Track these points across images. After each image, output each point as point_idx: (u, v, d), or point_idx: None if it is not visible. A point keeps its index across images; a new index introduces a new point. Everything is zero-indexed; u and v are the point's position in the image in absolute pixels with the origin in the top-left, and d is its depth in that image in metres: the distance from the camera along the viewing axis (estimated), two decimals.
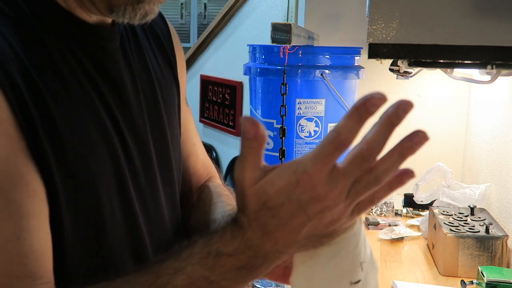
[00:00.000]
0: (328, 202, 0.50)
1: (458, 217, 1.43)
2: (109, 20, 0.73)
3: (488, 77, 1.27)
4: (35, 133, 0.62)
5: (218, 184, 0.97)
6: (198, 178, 0.97)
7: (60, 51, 0.67)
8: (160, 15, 0.88)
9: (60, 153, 0.64)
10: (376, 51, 0.81)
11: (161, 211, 0.80)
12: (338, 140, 0.48)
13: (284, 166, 0.50)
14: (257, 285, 1.16)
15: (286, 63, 1.42)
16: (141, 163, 0.76)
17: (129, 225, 0.73)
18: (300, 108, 1.47)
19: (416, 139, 0.50)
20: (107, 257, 0.70)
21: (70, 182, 0.65)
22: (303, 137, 1.48)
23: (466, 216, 1.43)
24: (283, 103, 1.33)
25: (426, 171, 1.71)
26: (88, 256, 0.68)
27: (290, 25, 1.20)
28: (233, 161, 3.04)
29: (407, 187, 1.83)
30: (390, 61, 1.54)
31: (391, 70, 1.62)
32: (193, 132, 0.98)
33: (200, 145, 1.00)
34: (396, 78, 1.84)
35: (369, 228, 1.66)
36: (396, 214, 1.79)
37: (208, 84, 3.12)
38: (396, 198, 1.82)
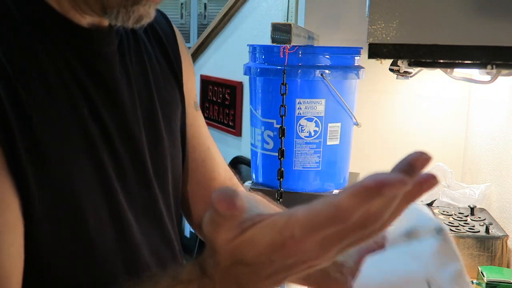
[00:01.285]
0: (314, 262, 0.46)
1: (458, 217, 1.43)
2: (105, 23, 0.71)
3: (488, 77, 1.27)
4: (12, 141, 0.58)
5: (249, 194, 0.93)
6: (221, 183, 0.95)
7: (48, 53, 0.64)
8: (164, 17, 0.87)
9: (38, 164, 0.60)
10: (376, 51, 0.81)
11: (160, 218, 0.79)
12: (335, 216, 0.41)
13: (267, 225, 0.45)
14: None
15: (286, 63, 1.42)
16: (134, 172, 0.73)
17: (120, 236, 0.70)
18: (300, 108, 1.47)
19: (426, 185, 0.44)
20: (97, 269, 0.68)
21: (49, 195, 0.61)
22: (303, 137, 1.48)
23: (466, 216, 1.43)
24: (282, 103, 1.32)
25: (426, 171, 1.71)
26: (76, 269, 0.66)
27: (290, 25, 1.20)
28: (233, 161, 3.03)
29: None
30: (390, 61, 1.54)
31: (391, 70, 1.62)
32: (206, 136, 0.96)
33: (216, 150, 0.98)
34: (396, 78, 1.84)
35: None
36: None
37: (208, 84, 3.12)
38: None
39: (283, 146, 1.31)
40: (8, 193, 0.58)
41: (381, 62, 0.85)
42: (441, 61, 0.82)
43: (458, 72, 1.44)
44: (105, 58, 0.71)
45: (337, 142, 1.52)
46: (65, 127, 0.64)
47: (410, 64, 0.86)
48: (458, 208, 1.50)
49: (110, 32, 0.72)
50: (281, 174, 1.31)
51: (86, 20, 0.69)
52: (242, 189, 0.97)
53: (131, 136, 0.73)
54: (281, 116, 1.31)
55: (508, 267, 1.30)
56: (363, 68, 1.55)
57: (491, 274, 1.16)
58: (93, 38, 0.69)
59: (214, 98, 3.05)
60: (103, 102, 0.69)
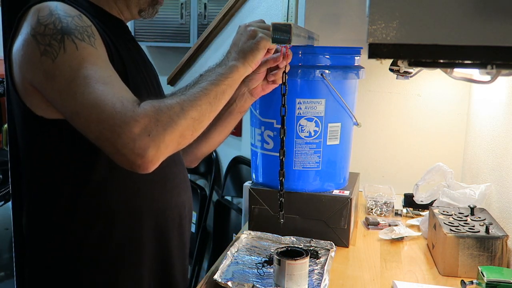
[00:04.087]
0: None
1: (458, 217, 1.43)
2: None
3: (488, 77, 1.27)
4: (117, 67, 1.09)
5: None
6: None
7: (110, 32, 1.13)
8: None
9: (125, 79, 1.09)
10: (376, 51, 0.81)
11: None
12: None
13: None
14: (257, 285, 1.16)
15: (287, 63, 1.42)
16: None
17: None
18: (300, 108, 1.47)
19: None
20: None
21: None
22: (303, 137, 1.48)
23: (466, 216, 1.43)
24: (283, 103, 1.32)
25: (426, 171, 1.71)
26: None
27: (290, 25, 1.20)
28: (233, 161, 3.03)
29: (407, 187, 1.83)
30: (390, 61, 1.54)
31: (391, 70, 1.62)
32: None
33: None
34: (396, 78, 1.84)
35: (369, 228, 1.66)
36: (396, 214, 1.79)
37: None
38: (396, 198, 1.82)
39: (284, 146, 1.31)
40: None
41: (381, 62, 0.85)
42: (441, 61, 0.82)
43: (458, 72, 1.44)
44: (130, 35, 1.26)
45: (337, 142, 1.52)
46: (135, 71, 1.17)
47: (410, 64, 0.86)
48: (458, 208, 1.50)
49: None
50: (282, 175, 1.31)
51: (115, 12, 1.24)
52: None
53: (153, 81, 1.27)
54: (282, 116, 1.31)
55: (508, 267, 1.30)
56: (363, 68, 1.55)
57: (491, 274, 1.16)
58: (125, 25, 1.27)
59: None
60: (138, 53, 1.25)
